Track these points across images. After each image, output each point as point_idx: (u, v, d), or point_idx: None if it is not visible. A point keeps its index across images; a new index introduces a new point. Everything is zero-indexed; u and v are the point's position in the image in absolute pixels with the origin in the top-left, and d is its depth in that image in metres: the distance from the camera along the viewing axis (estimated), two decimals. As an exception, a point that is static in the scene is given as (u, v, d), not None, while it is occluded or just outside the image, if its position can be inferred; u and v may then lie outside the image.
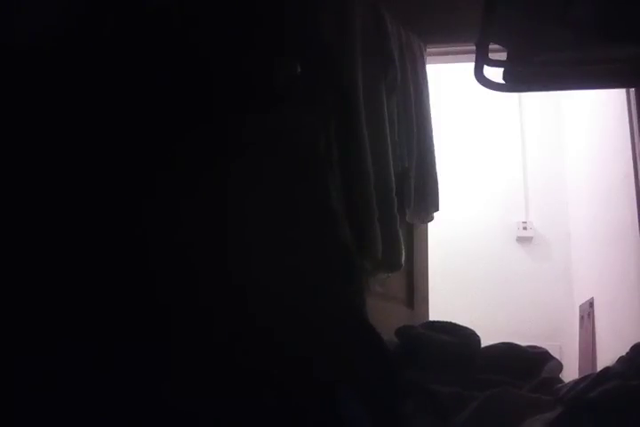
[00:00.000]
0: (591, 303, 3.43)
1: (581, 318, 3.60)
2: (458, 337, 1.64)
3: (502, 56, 1.78)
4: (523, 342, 1.75)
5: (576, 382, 1.34)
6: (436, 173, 2.55)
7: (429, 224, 2.72)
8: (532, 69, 1.79)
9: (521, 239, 4.07)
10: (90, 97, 0.87)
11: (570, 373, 2.78)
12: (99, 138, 0.86)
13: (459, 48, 2.85)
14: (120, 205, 0.85)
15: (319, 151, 0.99)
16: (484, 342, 1.70)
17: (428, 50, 2.69)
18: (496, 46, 1.80)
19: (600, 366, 2.97)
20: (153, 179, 0.86)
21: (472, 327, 1.72)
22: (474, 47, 1.73)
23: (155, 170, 0.86)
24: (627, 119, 2.76)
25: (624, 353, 1.40)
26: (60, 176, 0.85)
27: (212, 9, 0.94)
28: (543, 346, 1.77)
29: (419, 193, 2.45)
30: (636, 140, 2.67)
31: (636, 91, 2.66)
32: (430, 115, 2.57)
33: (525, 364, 1.62)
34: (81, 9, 0.90)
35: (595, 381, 1.26)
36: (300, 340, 0.84)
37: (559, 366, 1.65)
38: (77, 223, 0.83)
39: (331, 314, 0.89)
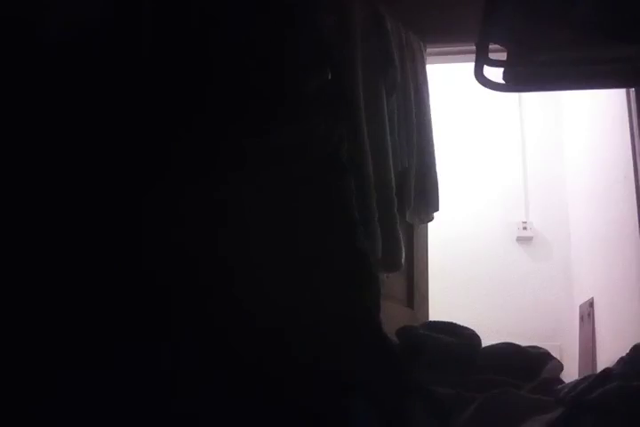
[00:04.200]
0: (591, 303, 3.43)
1: (581, 318, 3.60)
2: (458, 337, 1.64)
3: (502, 56, 1.78)
4: (523, 342, 1.75)
5: (576, 383, 1.34)
6: (435, 173, 2.55)
7: (429, 224, 2.72)
8: (532, 69, 1.79)
9: (521, 239, 4.06)
10: (92, 97, 0.87)
11: (570, 373, 2.77)
12: (101, 138, 0.86)
13: (459, 48, 2.85)
14: (121, 204, 0.84)
15: (340, 156, 0.99)
16: (485, 342, 1.69)
17: (428, 50, 2.69)
18: (496, 46, 1.80)
19: (600, 366, 2.97)
20: (152, 179, 0.86)
21: (472, 327, 1.72)
22: (474, 47, 1.73)
23: (154, 170, 0.86)
24: (627, 119, 2.76)
25: (624, 353, 1.40)
26: (61, 175, 0.84)
27: (230, 12, 0.94)
28: (543, 346, 1.77)
29: (419, 193, 2.45)
30: (636, 141, 2.67)
31: (636, 91, 2.66)
32: (430, 115, 2.57)
33: (525, 364, 1.61)
34: (87, 11, 0.90)
35: (595, 382, 1.26)
36: (310, 343, 0.84)
37: (559, 367, 1.65)
38: (76, 224, 0.82)
39: (343, 319, 0.89)
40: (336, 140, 0.99)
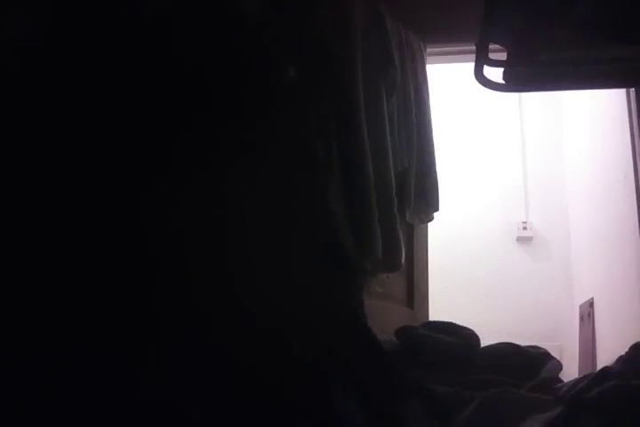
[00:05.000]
0: (591, 303, 3.43)
1: (581, 318, 3.60)
2: (458, 337, 1.64)
3: (502, 56, 1.78)
4: (523, 342, 1.75)
5: (575, 382, 1.34)
6: (436, 173, 2.55)
7: (429, 224, 2.72)
8: (532, 69, 1.79)
9: (521, 239, 4.07)
10: (90, 99, 0.88)
11: (570, 373, 2.77)
12: (100, 139, 0.86)
13: (459, 48, 2.85)
14: (121, 204, 0.85)
15: (317, 152, 0.99)
16: (484, 342, 1.70)
17: (428, 50, 2.70)
18: (496, 46, 1.80)
19: (600, 366, 2.97)
20: (151, 179, 0.86)
21: (472, 327, 1.72)
22: (474, 47, 1.73)
23: (153, 170, 0.87)
24: (627, 119, 2.76)
25: (624, 353, 1.40)
26: (61, 175, 0.85)
27: (210, 11, 0.94)
28: (543, 346, 1.77)
29: (419, 193, 2.45)
30: (636, 141, 2.67)
31: (636, 91, 2.66)
32: (430, 115, 2.57)
33: (525, 364, 1.62)
34: (77, 12, 0.90)
35: (594, 380, 1.26)
36: (296, 341, 0.84)
37: (559, 366, 1.65)
38: (76, 223, 0.83)
39: (327, 315, 0.89)
40: (321, 135, 0.99)
